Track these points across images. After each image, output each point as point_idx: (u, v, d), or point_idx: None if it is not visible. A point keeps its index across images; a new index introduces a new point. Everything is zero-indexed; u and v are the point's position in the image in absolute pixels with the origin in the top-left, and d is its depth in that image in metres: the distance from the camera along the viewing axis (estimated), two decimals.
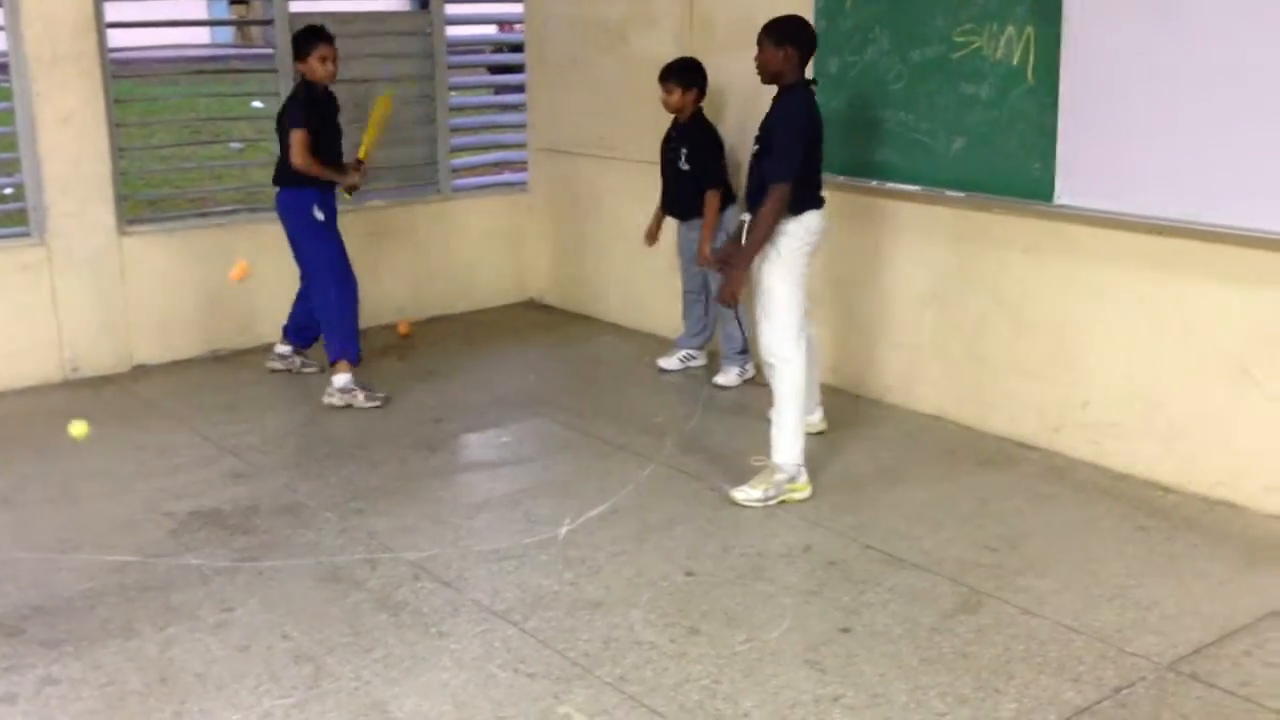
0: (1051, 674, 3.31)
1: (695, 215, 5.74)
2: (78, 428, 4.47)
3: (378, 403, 5.56)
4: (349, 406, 5.52)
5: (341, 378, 5.55)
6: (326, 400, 5.54)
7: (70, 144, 5.80)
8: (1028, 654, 3.41)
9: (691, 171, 5.71)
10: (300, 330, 5.92)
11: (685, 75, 5.66)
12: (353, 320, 5.60)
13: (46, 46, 5.67)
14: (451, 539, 4.19)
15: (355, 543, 4.16)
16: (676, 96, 5.67)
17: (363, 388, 5.58)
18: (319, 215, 5.49)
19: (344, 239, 5.62)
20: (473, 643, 3.50)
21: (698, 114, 5.74)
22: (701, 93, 5.71)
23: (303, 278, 5.73)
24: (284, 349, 6.00)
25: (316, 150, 5.38)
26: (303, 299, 5.81)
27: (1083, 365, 4.77)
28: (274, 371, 6.02)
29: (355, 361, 5.61)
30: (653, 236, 6.01)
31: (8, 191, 6.56)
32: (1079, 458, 4.80)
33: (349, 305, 5.58)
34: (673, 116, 5.79)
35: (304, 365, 5.98)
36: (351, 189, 5.71)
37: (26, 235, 5.86)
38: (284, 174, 5.49)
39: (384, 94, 6.00)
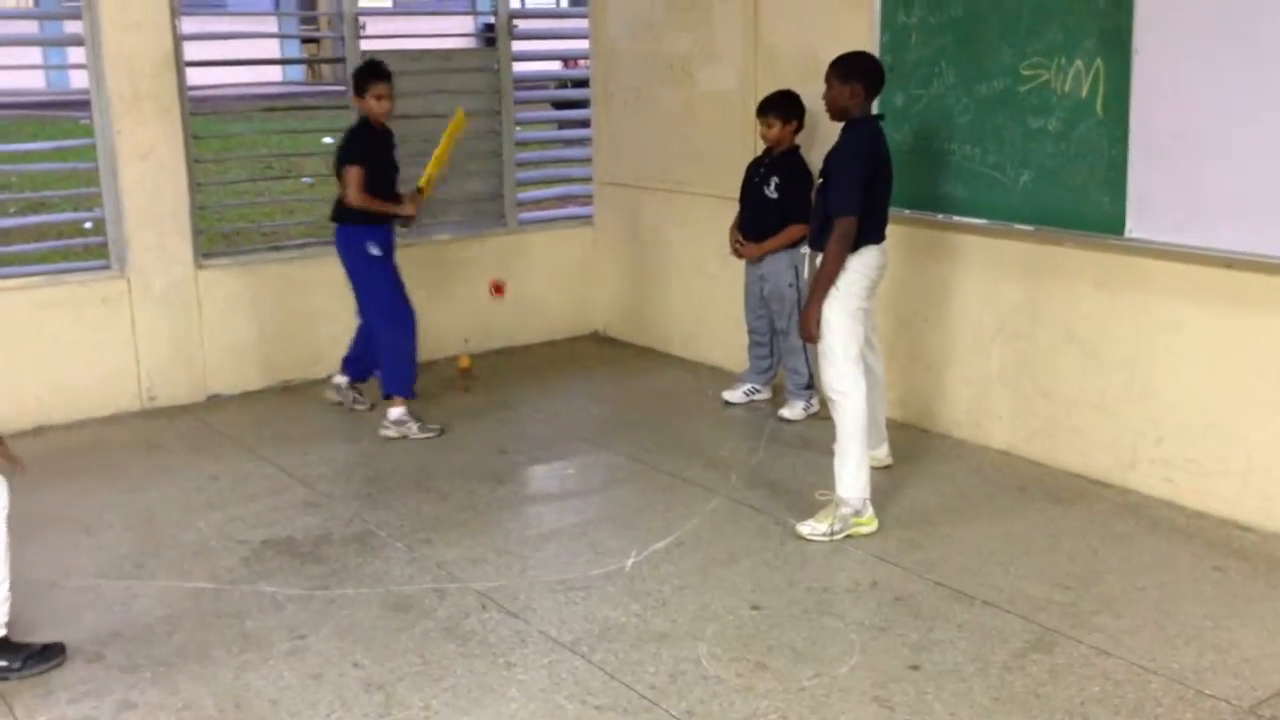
0: (1128, 716, 3.25)
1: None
2: None
3: (432, 433, 5.63)
4: (404, 438, 5.59)
5: (396, 410, 5.63)
6: (382, 433, 5.62)
7: (150, 179, 5.94)
8: (1103, 695, 3.35)
9: (778, 201, 5.68)
10: (353, 362, 5.96)
11: (785, 108, 5.64)
12: (410, 357, 5.66)
13: (128, 85, 5.82)
14: (518, 570, 4.22)
15: (424, 572, 4.20)
16: (776, 129, 5.65)
17: (416, 419, 5.65)
18: (374, 251, 5.56)
19: (404, 271, 5.69)
20: (540, 673, 3.51)
21: (794, 147, 5.72)
22: (800, 125, 5.67)
23: (360, 313, 5.79)
24: (340, 379, 6.01)
25: (373, 187, 5.45)
26: (362, 332, 5.87)
27: (1156, 400, 4.70)
28: (332, 404, 6.03)
29: (410, 397, 5.67)
30: (737, 242, 5.83)
31: (88, 226, 6.72)
32: (1154, 495, 4.72)
33: (407, 341, 5.63)
34: (765, 146, 5.77)
35: (355, 402, 5.98)
36: (407, 221, 5.75)
37: (107, 268, 6.01)
38: (340, 211, 5.56)
39: (459, 111, 5.91)
